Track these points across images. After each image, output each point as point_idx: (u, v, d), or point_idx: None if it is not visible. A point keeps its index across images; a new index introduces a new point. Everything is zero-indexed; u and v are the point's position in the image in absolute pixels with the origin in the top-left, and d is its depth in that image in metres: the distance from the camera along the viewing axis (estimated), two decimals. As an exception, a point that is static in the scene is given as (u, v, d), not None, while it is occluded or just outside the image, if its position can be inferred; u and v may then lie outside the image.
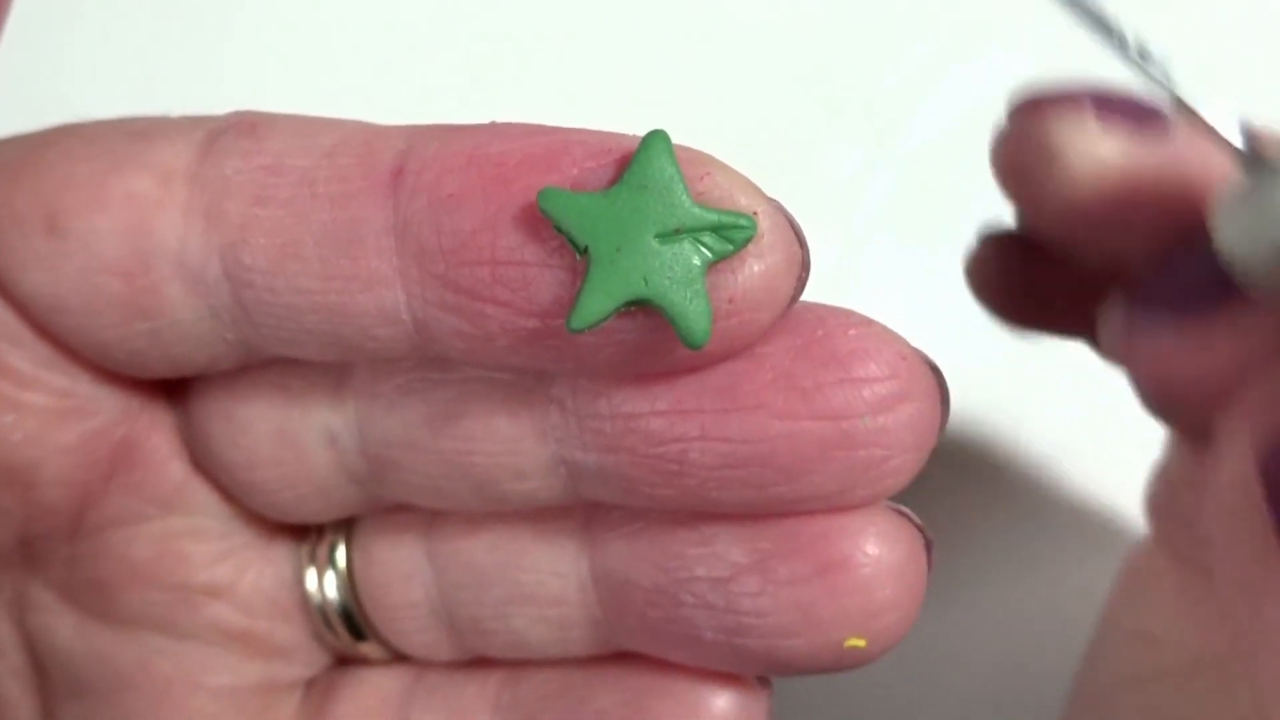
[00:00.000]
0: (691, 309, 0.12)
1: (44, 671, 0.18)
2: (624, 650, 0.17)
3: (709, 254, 0.13)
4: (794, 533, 0.14)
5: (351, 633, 0.18)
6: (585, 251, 0.13)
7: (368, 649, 0.18)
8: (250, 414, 0.17)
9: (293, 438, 0.17)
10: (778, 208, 0.13)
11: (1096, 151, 0.18)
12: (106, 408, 0.17)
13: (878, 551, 0.14)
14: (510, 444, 0.15)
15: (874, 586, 0.14)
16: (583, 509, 0.16)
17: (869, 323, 0.14)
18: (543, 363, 0.14)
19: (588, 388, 0.14)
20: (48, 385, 0.16)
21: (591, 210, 0.13)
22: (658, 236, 0.13)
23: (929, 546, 0.14)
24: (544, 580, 0.16)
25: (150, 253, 0.15)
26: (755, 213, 0.13)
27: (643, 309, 0.13)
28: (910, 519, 0.14)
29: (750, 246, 0.13)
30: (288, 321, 0.15)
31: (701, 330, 0.12)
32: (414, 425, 0.16)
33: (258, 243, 0.15)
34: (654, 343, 0.13)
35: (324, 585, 0.18)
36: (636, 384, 0.14)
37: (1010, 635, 0.23)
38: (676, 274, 0.12)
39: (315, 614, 0.18)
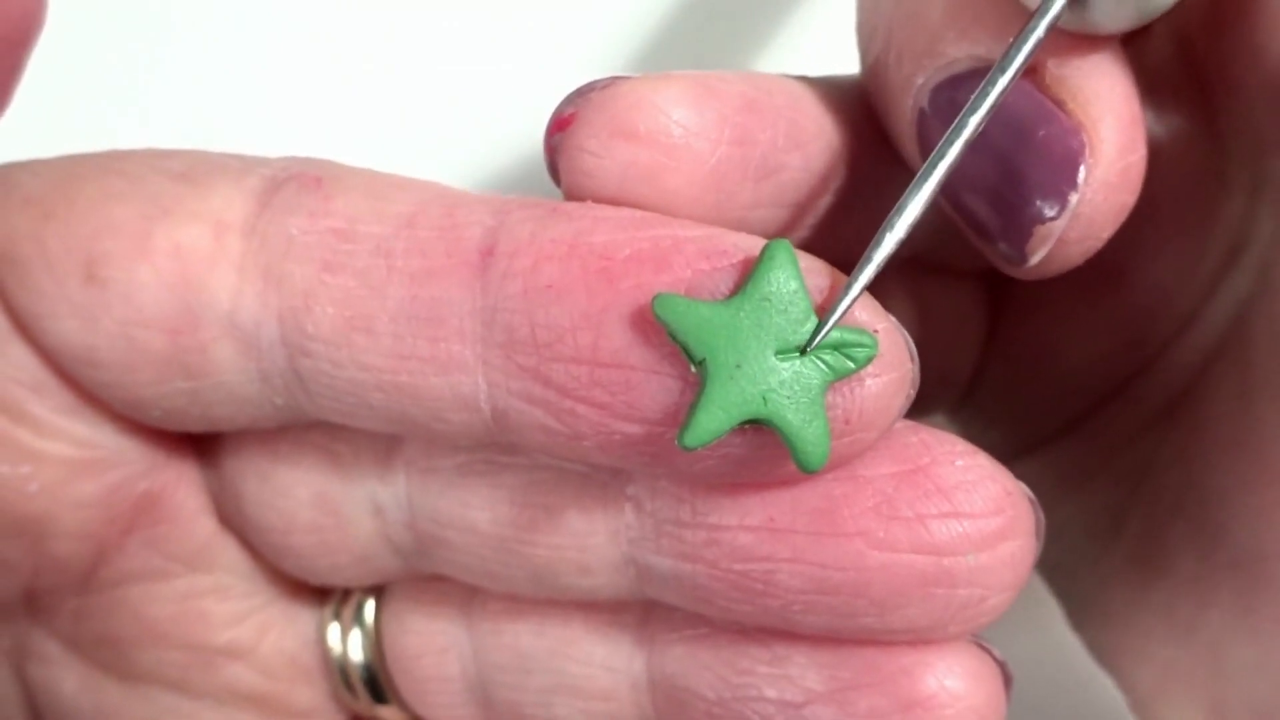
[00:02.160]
0: (810, 432, 0.12)
1: None
2: None
3: (830, 372, 0.12)
4: (876, 664, 0.14)
5: (372, 695, 0.18)
6: (701, 364, 0.12)
7: (387, 713, 0.18)
8: (290, 477, 0.16)
9: (335, 505, 0.16)
10: (896, 325, 0.13)
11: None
12: (130, 459, 0.16)
13: (962, 689, 0.13)
14: (578, 539, 0.15)
15: None
16: (642, 603, 0.15)
17: (974, 452, 0.13)
18: (630, 465, 0.13)
19: (670, 490, 0.14)
20: (69, 435, 0.15)
21: (713, 321, 0.12)
22: (779, 353, 0.12)
23: (1008, 683, 0.14)
24: (594, 674, 0.16)
25: (199, 310, 0.14)
26: (876, 330, 0.12)
27: (755, 427, 0.12)
28: (993, 655, 0.14)
29: (870, 365, 0.12)
30: (349, 396, 0.14)
31: (820, 455, 0.12)
32: (473, 508, 0.15)
33: (324, 312, 0.14)
34: (759, 459, 0.13)
35: (348, 645, 0.18)
36: (726, 493, 0.13)
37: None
38: (796, 394, 0.12)
39: (336, 673, 0.18)
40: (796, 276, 0.12)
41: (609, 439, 0.13)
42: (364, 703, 0.18)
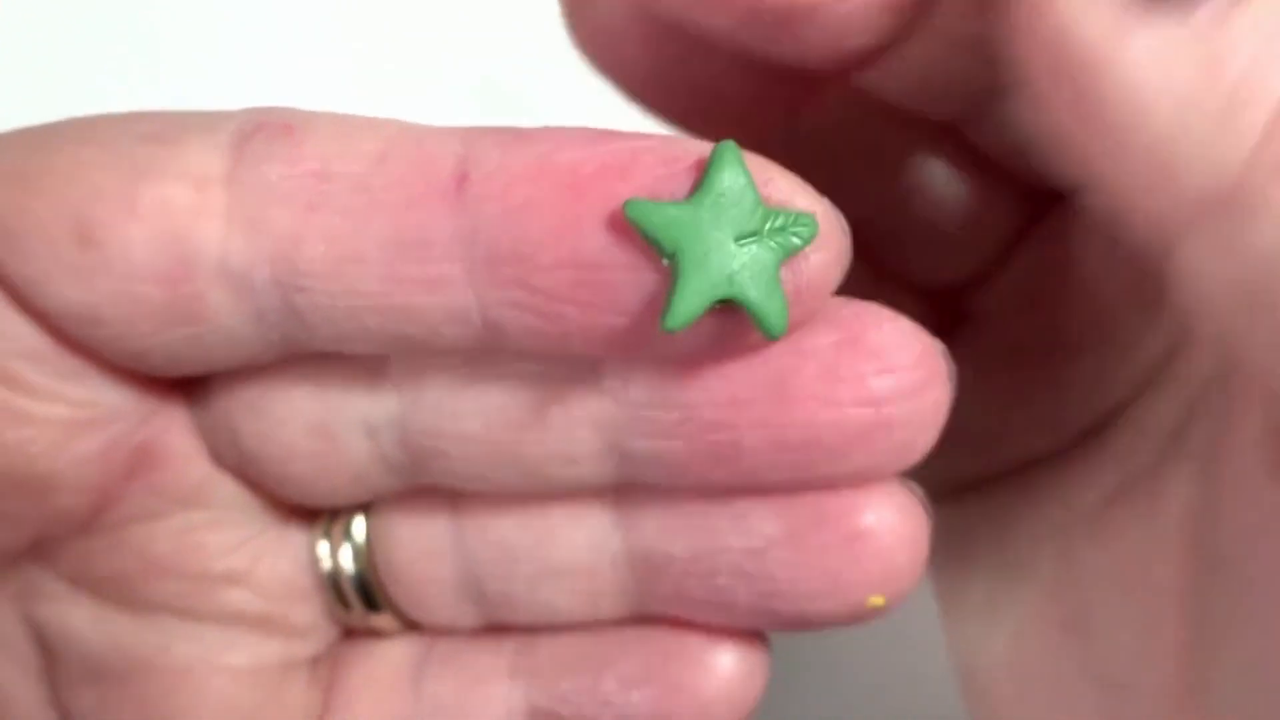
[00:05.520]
0: (772, 304, 0.14)
1: (54, 659, 0.18)
2: (637, 613, 0.18)
3: (781, 252, 0.14)
4: (823, 507, 0.16)
5: (366, 604, 0.19)
6: (673, 257, 0.14)
7: (381, 621, 0.19)
8: (285, 409, 0.17)
9: (330, 431, 0.17)
10: (830, 206, 0.15)
11: None
12: (125, 414, 0.17)
13: (895, 521, 0.16)
14: (564, 433, 0.16)
15: (894, 552, 0.16)
16: (615, 488, 0.17)
17: (897, 317, 0.15)
18: (615, 354, 0.15)
19: (644, 380, 0.16)
20: (67, 397, 0.16)
21: (679, 219, 0.14)
22: (736, 239, 0.14)
23: (929, 514, 0.17)
24: (577, 556, 0.18)
25: (191, 260, 0.15)
26: (814, 212, 0.14)
27: (725, 306, 0.14)
28: (915, 492, 0.17)
29: (812, 243, 0.14)
30: (345, 322, 0.15)
31: (781, 323, 0.14)
32: (465, 418, 0.17)
33: (314, 249, 0.15)
34: (726, 334, 0.15)
35: (340, 560, 0.19)
36: (693, 377, 0.15)
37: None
38: (757, 273, 0.14)
39: (329, 589, 0.19)
40: (744, 173, 0.14)
41: (596, 333, 0.14)
42: (358, 613, 0.19)
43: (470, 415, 0.16)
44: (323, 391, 0.17)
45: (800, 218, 0.14)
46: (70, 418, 0.16)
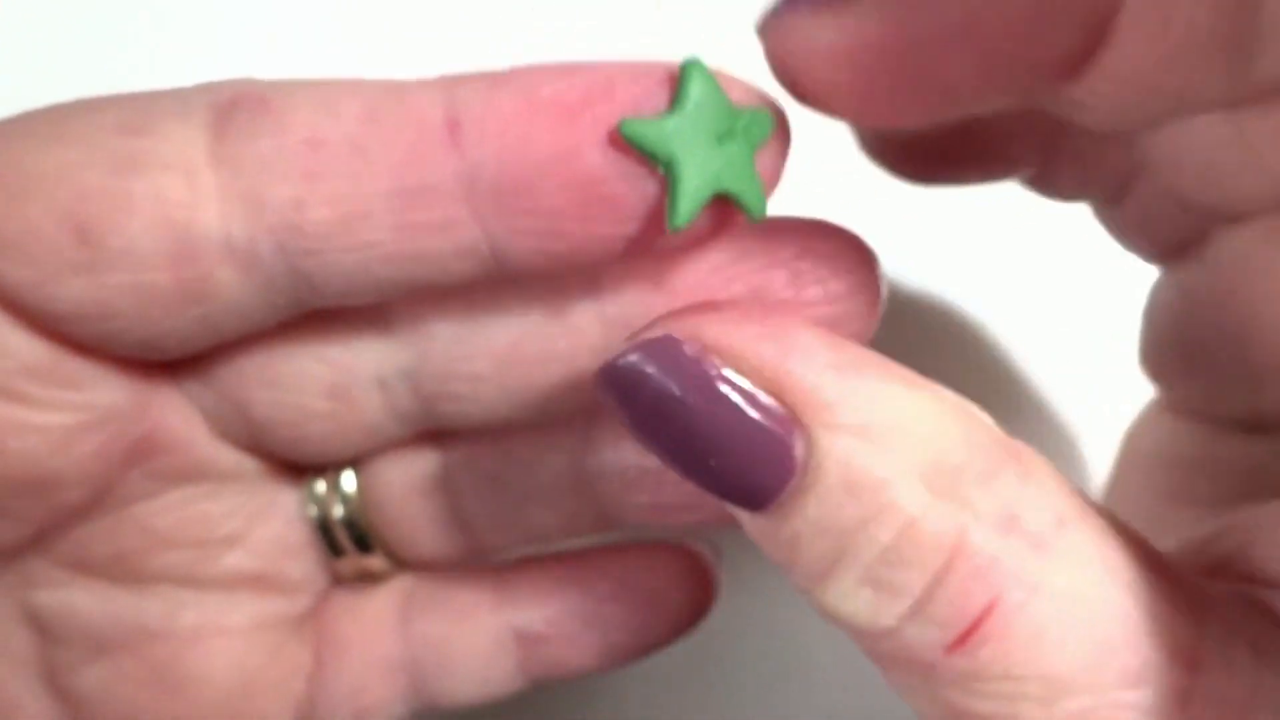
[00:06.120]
0: (754, 191, 0.16)
1: (54, 642, 0.18)
2: (613, 523, 0.20)
3: (751, 146, 0.16)
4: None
5: (359, 548, 0.20)
6: (668, 164, 0.16)
7: (373, 562, 0.20)
8: (297, 376, 0.18)
9: (344, 389, 0.18)
10: (776, 103, 0.17)
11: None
12: (124, 410, 0.17)
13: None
14: (570, 361, 0.18)
15: None
16: (583, 417, 0.19)
17: (842, 230, 0.17)
18: (627, 257, 0.16)
19: (633, 288, 0.17)
20: (68, 404, 0.16)
21: (668, 131, 0.16)
22: (718, 141, 0.16)
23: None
24: (559, 478, 0.19)
25: (195, 245, 0.15)
26: (768, 109, 0.17)
27: (716, 200, 0.16)
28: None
29: (773, 135, 0.17)
30: (355, 274, 0.16)
31: (762, 205, 0.16)
32: (475, 359, 0.18)
33: (320, 214, 0.16)
34: (717, 222, 0.17)
35: (331, 510, 0.20)
36: (678, 293, 0.17)
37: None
38: (738, 167, 0.16)
39: (322, 538, 0.20)
40: (713, 83, 0.16)
41: (603, 243, 0.16)
42: (350, 559, 0.20)
43: (480, 356, 0.18)
44: (332, 353, 0.18)
45: (758, 115, 0.16)
46: (73, 422, 0.17)
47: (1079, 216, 0.22)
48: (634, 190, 0.16)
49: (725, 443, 0.14)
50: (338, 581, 0.21)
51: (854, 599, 0.14)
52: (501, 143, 0.16)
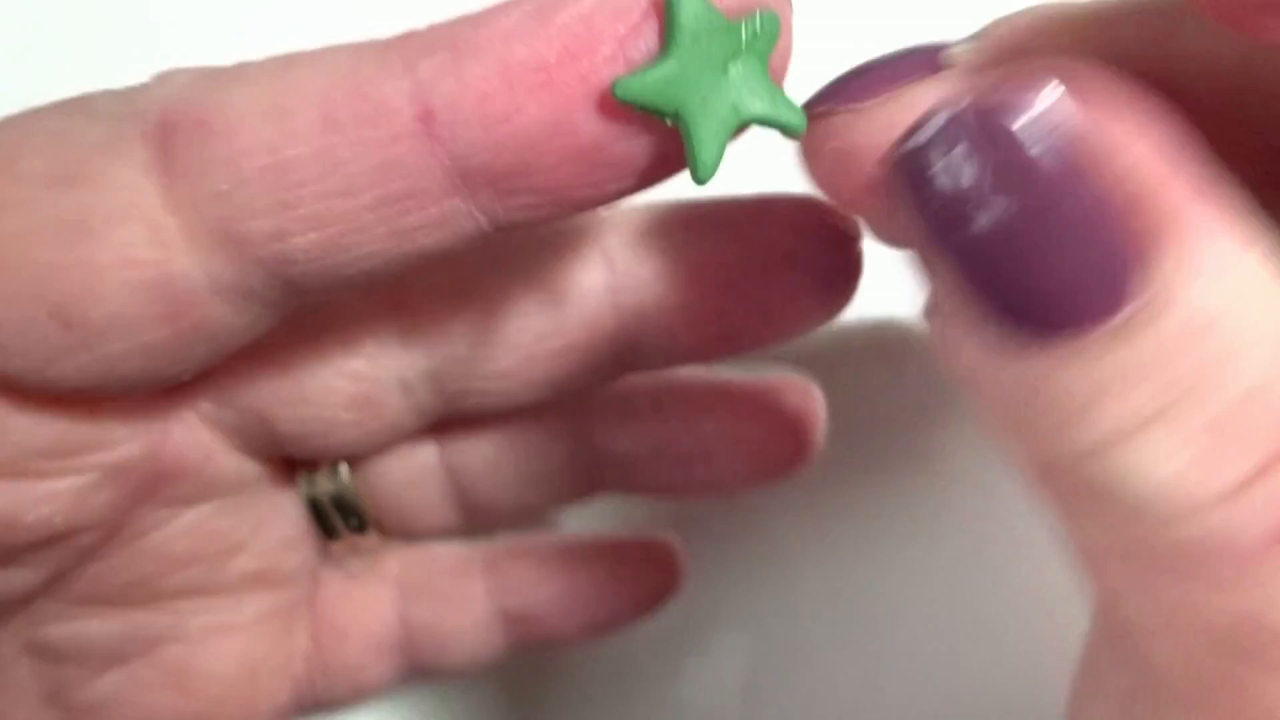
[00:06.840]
0: (779, 107, 0.14)
1: (63, 666, 0.19)
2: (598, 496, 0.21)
3: (763, 58, 0.14)
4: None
5: (355, 530, 0.20)
6: (676, 115, 0.14)
7: (367, 540, 0.21)
8: (323, 393, 0.17)
9: (369, 398, 0.18)
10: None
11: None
12: (136, 456, 0.17)
13: None
14: (584, 333, 0.18)
15: None
16: (574, 403, 0.19)
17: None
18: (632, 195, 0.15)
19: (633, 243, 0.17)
20: (80, 467, 0.16)
21: (667, 79, 0.13)
22: (723, 69, 0.14)
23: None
24: (552, 463, 0.20)
25: (181, 295, 0.14)
26: (771, 6, 0.14)
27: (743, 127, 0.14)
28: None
29: (779, 36, 0.14)
30: (356, 275, 0.15)
31: (799, 119, 0.14)
32: (500, 359, 0.18)
33: (305, 241, 0.14)
34: None
35: (330, 497, 0.20)
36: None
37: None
38: (754, 86, 0.14)
39: (318, 524, 0.20)
40: (706, 4, 0.13)
41: (617, 194, 0.14)
42: (345, 541, 0.20)
43: (502, 355, 0.17)
44: (354, 366, 0.17)
45: (763, 18, 0.14)
46: (87, 483, 0.16)
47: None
48: (638, 145, 0.14)
49: (1062, 240, 0.11)
50: (329, 558, 0.21)
51: (1168, 463, 0.11)
52: (483, 125, 0.13)
